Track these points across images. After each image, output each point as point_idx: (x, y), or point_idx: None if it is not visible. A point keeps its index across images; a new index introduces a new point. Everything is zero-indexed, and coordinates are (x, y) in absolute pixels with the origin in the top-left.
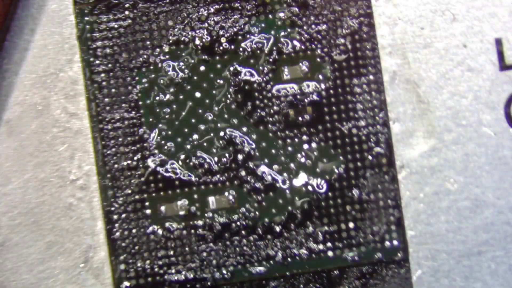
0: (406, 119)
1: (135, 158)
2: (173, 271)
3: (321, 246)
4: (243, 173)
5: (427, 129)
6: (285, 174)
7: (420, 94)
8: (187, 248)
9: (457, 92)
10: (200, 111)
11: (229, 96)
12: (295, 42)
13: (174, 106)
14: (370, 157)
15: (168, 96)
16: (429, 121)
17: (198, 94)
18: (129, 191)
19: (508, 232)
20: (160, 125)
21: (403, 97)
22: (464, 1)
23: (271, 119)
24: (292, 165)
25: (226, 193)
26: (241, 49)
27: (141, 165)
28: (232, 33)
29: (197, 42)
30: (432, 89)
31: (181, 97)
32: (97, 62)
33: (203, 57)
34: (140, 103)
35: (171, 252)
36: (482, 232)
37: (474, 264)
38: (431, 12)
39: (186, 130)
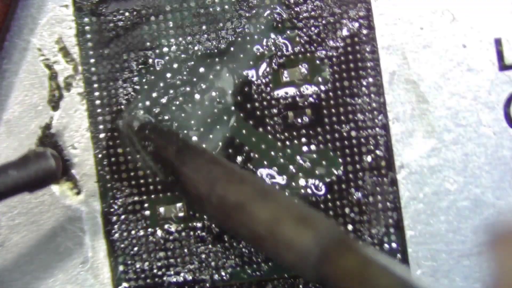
0: (406, 119)
1: (134, 159)
2: (172, 272)
3: None
4: None
5: (427, 129)
6: (284, 176)
7: (420, 94)
8: (186, 250)
9: (457, 92)
10: (199, 112)
11: (228, 97)
12: (295, 44)
13: (174, 108)
14: (369, 160)
15: (167, 97)
16: (429, 121)
17: (197, 96)
18: (128, 192)
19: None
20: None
21: (402, 97)
22: (464, 1)
23: (270, 121)
24: (291, 167)
25: None
26: (240, 50)
27: (140, 168)
28: (232, 34)
29: (197, 42)
30: (431, 89)
31: (180, 99)
32: (97, 62)
33: (202, 58)
34: (140, 104)
35: (170, 254)
36: (482, 232)
37: (474, 264)
38: (431, 12)
39: (185, 132)
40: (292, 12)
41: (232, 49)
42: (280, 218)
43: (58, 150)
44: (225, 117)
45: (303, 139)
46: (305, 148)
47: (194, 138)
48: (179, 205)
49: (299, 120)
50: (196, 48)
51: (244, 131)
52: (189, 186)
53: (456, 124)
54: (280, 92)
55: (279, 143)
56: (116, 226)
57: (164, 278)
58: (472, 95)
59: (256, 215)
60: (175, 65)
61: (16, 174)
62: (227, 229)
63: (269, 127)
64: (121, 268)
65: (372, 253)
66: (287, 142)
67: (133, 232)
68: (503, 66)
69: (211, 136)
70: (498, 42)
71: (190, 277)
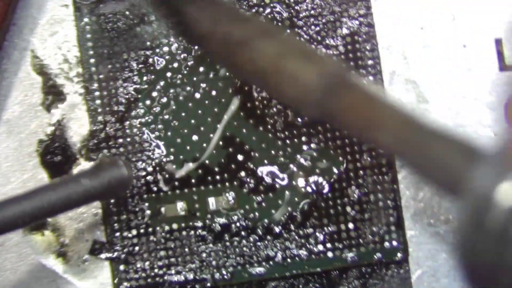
0: None
1: (134, 159)
2: (173, 271)
3: (320, 247)
4: (242, 173)
5: None
6: (284, 175)
7: (420, 94)
8: (187, 249)
9: (457, 92)
10: (200, 112)
11: (228, 96)
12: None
13: (174, 107)
14: (370, 158)
15: (167, 97)
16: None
17: (197, 95)
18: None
19: None
20: (160, 126)
21: (402, 97)
22: (464, 1)
23: (270, 120)
24: (291, 165)
25: (227, 194)
26: None
27: (141, 167)
28: None
29: None
30: (432, 89)
31: (180, 98)
32: (97, 62)
33: (203, 57)
34: (140, 104)
35: (171, 253)
36: None
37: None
38: (431, 12)
39: (185, 131)
40: (292, 10)
41: None
42: (285, 54)
43: (66, 147)
44: (225, 116)
45: (304, 138)
46: (305, 147)
47: (195, 138)
48: (179, 204)
49: (300, 119)
50: (196, 47)
51: (244, 130)
52: (192, 24)
53: (456, 124)
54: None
55: (279, 142)
56: (117, 226)
57: (165, 277)
58: (472, 95)
59: (261, 51)
60: (176, 64)
61: (88, 183)
62: (230, 67)
63: (269, 126)
64: (121, 267)
65: (377, 91)
66: (288, 141)
67: (134, 231)
68: (503, 66)
69: (211, 135)
70: (498, 42)
71: (191, 277)
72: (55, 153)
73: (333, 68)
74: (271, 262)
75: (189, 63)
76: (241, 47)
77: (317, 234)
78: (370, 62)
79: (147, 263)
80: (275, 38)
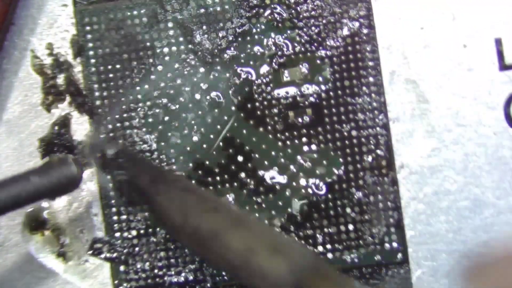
0: (406, 119)
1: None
2: (173, 272)
3: (320, 248)
4: (243, 175)
5: (427, 129)
6: (285, 176)
7: (420, 94)
8: (186, 249)
9: (457, 92)
10: (200, 112)
11: (228, 97)
12: (295, 44)
13: (174, 107)
14: (369, 159)
15: (167, 97)
16: (429, 121)
17: (197, 96)
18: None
19: (508, 233)
20: (160, 127)
21: (403, 97)
22: (464, 1)
23: (271, 121)
24: (291, 167)
25: (227, 195)
26: (241, 50)
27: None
28: (232, 34)
29: (197, 42)
30: (432, 89)
31: (180, 98)
32: (97, 62)
33: (203, 58)
34: (140, 104)
35: (171, 254)
36: (482, 232)
37: (474, 264)
38: (431, 12)
39: (185, 132)
40: (293, 11)
41: (232, 49)
42: (253, 248)
43: (70, 145)
44: (225, 117)
45: (304, 139)
46: (305, 148)
47: (195, 139)
48: None
49: (300, 120)
50: (196, 48)
51: (244, 131)
52: (163, 216)
53: (456, 124)
54: (280, 92)
55: (279, 143)
56: (117, 226)
57: (165, 278)
58: (472, 95)
59: (229, 245)
60: (176, 65)
61: (38, 181)
62: (202, 258)
63: (269, 127)
64: (121, 268)
65: (345, 281)
66: (288, 142)
67: (134, 232)
68: (503, 66)
69: (211, 136)
70: (498, 42)
71: (191, 277)
72: (58, 151)
73: (303, 259)
74: None
75: (190, 64)
76: (210, 240)
77: (317, 235)
78: (370, 63)
79: (147, 263)
80: (243, 229)
